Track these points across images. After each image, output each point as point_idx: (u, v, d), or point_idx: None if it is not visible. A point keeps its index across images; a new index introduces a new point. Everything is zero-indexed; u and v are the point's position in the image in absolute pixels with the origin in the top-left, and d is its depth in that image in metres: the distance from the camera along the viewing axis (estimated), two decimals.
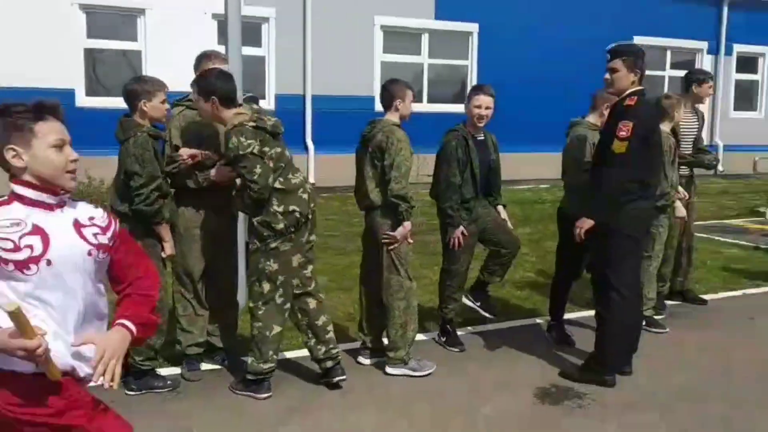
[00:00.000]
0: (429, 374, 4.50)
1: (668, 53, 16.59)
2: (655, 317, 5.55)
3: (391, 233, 4.40)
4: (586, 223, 4.30)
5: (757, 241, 9.06)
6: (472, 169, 4.82)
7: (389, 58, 13.66)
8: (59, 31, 10.93)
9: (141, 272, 2.28)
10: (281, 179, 3.93)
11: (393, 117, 4.55)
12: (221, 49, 5.11)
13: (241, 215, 4.50)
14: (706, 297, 6.38)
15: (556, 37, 14.31)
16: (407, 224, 4.41)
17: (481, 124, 4.85)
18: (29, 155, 2.04)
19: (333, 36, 12.77)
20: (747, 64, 17.83)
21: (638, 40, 14.15)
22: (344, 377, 4.24)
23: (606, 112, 4.62)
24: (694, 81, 6.01)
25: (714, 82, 6.47)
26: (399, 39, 13.86)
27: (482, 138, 4.97)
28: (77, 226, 2.12)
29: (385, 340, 4.65)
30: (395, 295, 4.46)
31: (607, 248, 4.30)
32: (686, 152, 5.88)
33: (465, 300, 5.05)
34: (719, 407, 4.13)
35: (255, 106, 4.12)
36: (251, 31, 12.34)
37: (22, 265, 2.00)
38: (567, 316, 5.40)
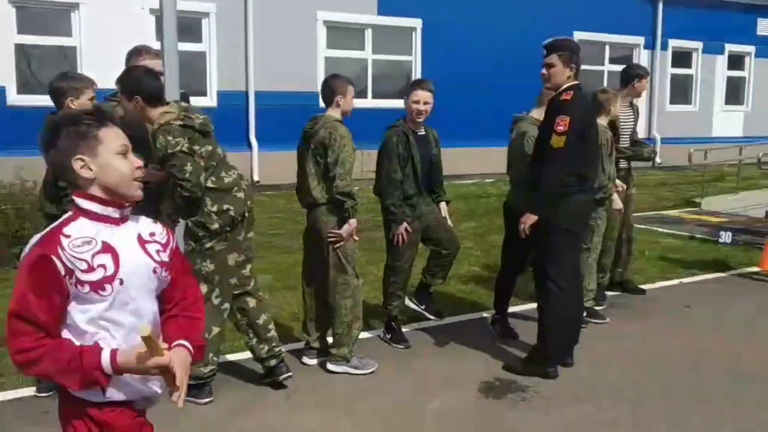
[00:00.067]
0: (371, 372, 4.48)
1: (607, 48, 16.96)
2: (596, 308, 5.66)
3: (337, 231, 4.36)
4: (529, 219, 4.34)
5: (693, 231, 9.34)
6: (413, 165, 4.81)
7: (333, 53, 13.58)
8: None
9: (187, 292, 2.17)
10: (213, 178, 3.84)
11: (334, 113, 4.50)
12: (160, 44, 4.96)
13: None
14: (644, 287, 6.54)
15: (498, 32, 14.46)
16: (353, 221, 4.38)
17: (421, 119, 4.84)
18: (97, 164, 1.92)
19: (275, 31, 12.64)
20: (682, 58, 18.37)
21: (578, 35, 14.41)
22: (290, 374, 4.18)
23: None
24: (635, 77, 6.13)
25: (650, 76, 6.62)
26: (342, 34, 13.80)
27: (423, 133, 4.96)
28: (141, 242, 2.02)
29: (330, 339, 4.61)
30: (342, 294, 4.43)
31: (547, 242, 4.35)
32: (624, 146, 6.00)
33: (409, 303, 5.08)
34: (658, 396, 4.22)
35: (183, 104, 4.01)
36: (191, 26, 12.10)
37: (97, 286, 1.89)
38: (511, 309, 5.45)
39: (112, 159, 1.93)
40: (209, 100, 12.35)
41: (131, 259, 1.95)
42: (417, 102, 4.78)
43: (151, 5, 11.02)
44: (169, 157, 3.67)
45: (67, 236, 1.88)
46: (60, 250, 1.85)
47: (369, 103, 13.34)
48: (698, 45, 18.35)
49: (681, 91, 18.49)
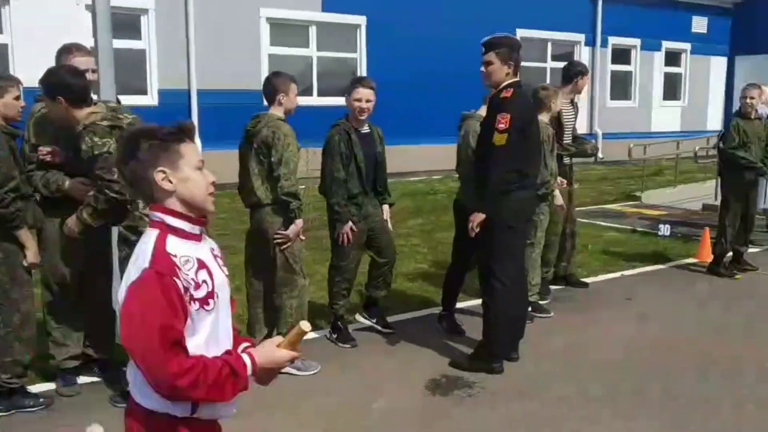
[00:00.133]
0: (314, 374, 4.43)
1: (549, 45, 17.24)
2: (540, 302, 5.73)
3: (284, 232, 4.30)
4: (477, 217, 4.35)
5: (633, 224, 9.57)
6: (356, 164, 4.77)
7: (277, 50, 13.43)
8: None
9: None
10: None
11: (277, 111, 4.43)
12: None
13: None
14: (587, 280, 6.66)
15: (442, 30, 14.53)
16: (299, 222, 4.33)
17: (363, 117, 4.80)
18: (177, 177, 1.93)
19: (217, 28, 12.43)
20: (621, 55, 18.83)
21: (521, 32, 14.61)
22: None
23: None
24: (577, 74, 6.23)
25: (591, 73, 6.75)
26: (286, 31, 13.67)
27: (368, 131, 4.92)
28: (214, 257, 2.03)
29: None
30: (288, 294, 4.38)
31: (491, 239, 4.37)
32: (567, 142, 6.09)
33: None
34: (602, 389, 4.30)
35: (111, 104, 3.88)
36: (129, 23, 11.81)
37: (203, 303, 1.90)
38: (458, 305, 5.48)
39: (191, 173, 1.95)
40: (150, 99, 12.09)
41: (217, 275, 1.98)
42: (359, 100, 4.75)
43: (87, 1, 10.69)
44: (95, 158, 3.54)
45: (174, 255, 1.88)
46: (178, 271, 1.86)
47: (315, 100, 13.25)
48: (636, 42, 18.83)
49: (621, 87, 18.95)
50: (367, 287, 5.12)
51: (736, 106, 7.20)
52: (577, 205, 7.06)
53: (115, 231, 3.90)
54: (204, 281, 1.91)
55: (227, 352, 1.97)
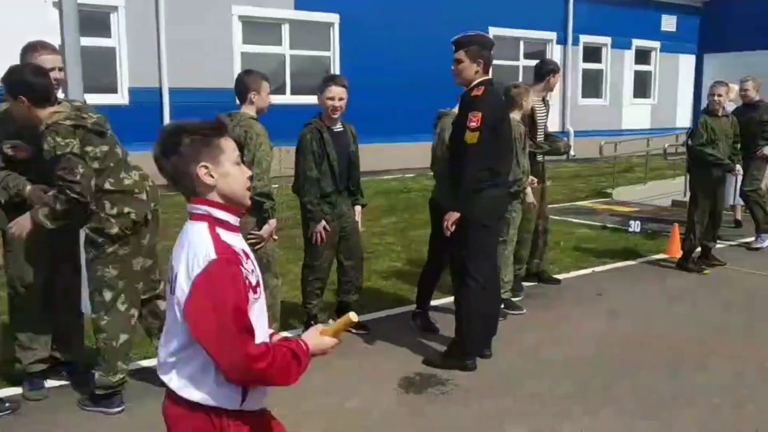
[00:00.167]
0: None
1: (521, 44, 17.36)
2: (513, 299, 5.76)
3: (257, 232, 4.27)
4: (452, 216, 4.35)
5: (605, 221, 9.67)
6: (329, 162, 4.76)
7: (249, 48, 13.36)
8: None
9: None
10: (112, 180, 3.66)
11: (249, 110, 4.40)
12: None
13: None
14: (559, 276, 6.72)
15: (416, 28, 14.57)
16: (273, 222, 4.31)
17: (336, 116, 4.79)
18: (218, 173, 1.98)
19: (189, 26, 12.31)
20: (592, 53, 19.02)
21: (493, 31, 14.69)
22: None
23: None
24: (549, 72, 6.27)
25: (563, 71, 6.82)
26: (259, 29, 13.59)
27: (341, 129, 4.91)
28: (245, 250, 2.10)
29: None
30: None
31: (465, 237, 4.39)
32: (540, 139, 6.13)
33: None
34: (573, 385, 4.33)
35: (76, 103, 3.81)
36: (99, 21, 11.66)
37: (254, 290, 1.98)
38: (432, 302, 5.49)
39: (231, 168, 2.00)
40: (120, 98, 11.95)
41: (256, 264, 2.07)
42: (332, 98, 4.73)
43: None
44: (58, 159, 3.47)
45: (230, 245, 1.95)
46: (240, 259, 1.94)
47: (288, 99, 13.20)
48: (607, 40, 19.04)
49: (592, 85, 19.15)
50: (338, 293, 5.12)
51: (704, 103, 7.31)
52: (550, 203, 7.11)
53: (82, 233, 3.84)
54: (252, 270, 1.99)
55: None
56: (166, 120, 12.33)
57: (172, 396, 2.00)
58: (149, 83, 12.16)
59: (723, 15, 20.12)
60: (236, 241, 1.99)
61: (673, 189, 11.86)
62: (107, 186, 3.63)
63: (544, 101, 6.31)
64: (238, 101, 4.47)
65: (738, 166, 7.21)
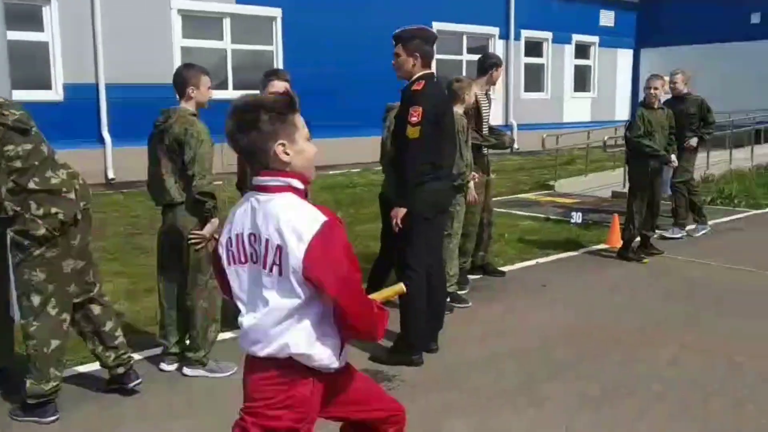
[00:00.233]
0: (229, 375, 4.31)
1: (464, 38, 17.48)
2: (459, 292, 5.78)
3: (200, 232, 4.16)
4: (399, 212, 4.33)
5: (547, 213, 9.82)
6: None
7: (189, 43, 13.08)
8: None
9: None
10: (37, 179, 3.50)
11: (188, 105, 4.27)
12: None
13: None
14: (504, 268, 6.79)
15: (360, 22, 14.51)
16: (215, 221, 4.20)
17: None
18: (294, 150, 2.07)
19: (126, 20, 11.96)
20: (534, 48, 19.30)
21: (437, 26, 14.75)
22: (139, 381, 3.97)
23: None
24: (492, 66, 6.31)
25: (505, 65, 6.87)
26: (199, 24, 13.32)
27: None
28: None
29: (189, 342, 4.41)
30: (200, 295, 4.24)
31: (407, 231, 4.37)
32: (485, 133, 6.17)
33: None
34: (522, 377, 4.37)
35: None
36: (30, 14, 11.23)
37: None
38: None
39: (304, 144, 2.10)
40: (54, 94, 11.54)
41: None
42: (275, 93, 4.64)
43: None
44: None
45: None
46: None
47: (230, 94, 12.95)
48: (548, 35, 19.34)
49: (534, 79, 19.43)
50: None
51: (641, 96, 7.48)
52: (494, 195, 7.17)
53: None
54: None
55: None
56: (103, 117, 11.97)
57: (266, 365, 2.11)
58: (85, 79, 11.78)
59: (658, 11, 20.73)
60: None
61: (613, 180, 12.13)
62: (32, 186, 3.47)
63: (487, 95, 6.35)
64: (177, 96, 4.34)
65: (673, 157, 7.40)
